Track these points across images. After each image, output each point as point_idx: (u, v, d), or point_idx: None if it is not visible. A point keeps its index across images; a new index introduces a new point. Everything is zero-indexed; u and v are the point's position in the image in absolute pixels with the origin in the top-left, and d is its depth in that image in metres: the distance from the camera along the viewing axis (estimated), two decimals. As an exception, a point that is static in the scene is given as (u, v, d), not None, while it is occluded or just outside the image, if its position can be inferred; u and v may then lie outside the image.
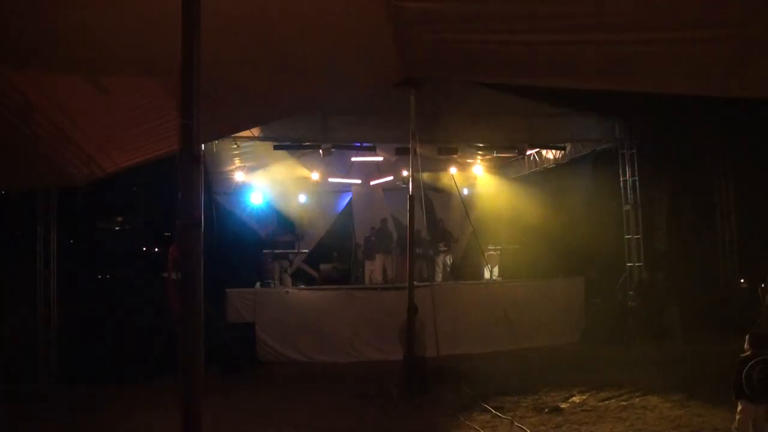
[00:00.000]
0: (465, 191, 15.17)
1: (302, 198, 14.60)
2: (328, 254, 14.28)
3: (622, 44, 5.02)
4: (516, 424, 6.72)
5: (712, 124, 12.05)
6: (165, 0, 3.86)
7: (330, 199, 15.39)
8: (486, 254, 13.37)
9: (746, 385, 5.11)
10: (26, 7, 4.37)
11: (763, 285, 9.26)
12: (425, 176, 13.78)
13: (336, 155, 12.08)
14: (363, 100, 9.96)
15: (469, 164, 14.86)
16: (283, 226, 13.82)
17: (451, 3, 5.02)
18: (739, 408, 5.24)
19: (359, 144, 11.65)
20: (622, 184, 12.51)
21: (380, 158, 13.13)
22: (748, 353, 5.22)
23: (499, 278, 13.01)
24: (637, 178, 12.36)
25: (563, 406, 7.44)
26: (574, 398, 7.78)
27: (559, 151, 12.89)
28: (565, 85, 8.04)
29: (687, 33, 4.50)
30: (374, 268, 13.05)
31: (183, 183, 3.49)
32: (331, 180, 14.37)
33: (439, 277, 13.03)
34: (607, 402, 7.54)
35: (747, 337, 5.33)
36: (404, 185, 14.01)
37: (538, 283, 12.51)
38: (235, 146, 11.30)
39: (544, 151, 13.45)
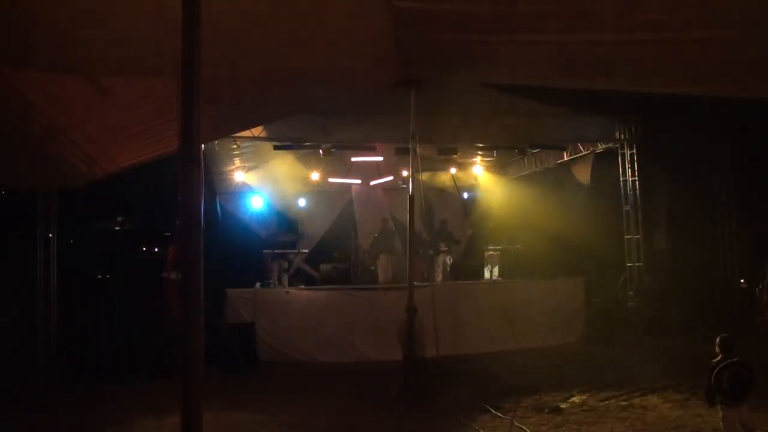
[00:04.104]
0: (465, 191, 15.18)
1: (302, 198, 14.61)
2: (328, 254, 14.26)
3: (623, 44, 5.02)
4: (516, 424, 6.72)
5: (712, 123, 12.05)
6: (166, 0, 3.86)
7: (330, 199, 15.39)
8: (486, 254, 13.37)
9: (717, 390, 5.11)
10: (26, 5, 4.37)
11: (761, 286, 9.25)
12: (425, 176, 13.79)
13: (336, 155, 12.08)
14: (363, 100, 9.96)
15: (469, 164, 14.87)
16: (283, 226, 13.81)
17: (451, 3, 5.02)
18: (721, 414, 5.23)
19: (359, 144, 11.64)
20: (622, 184, 12.51)
21: (380, 158, 13.13)
22: (717, 358, 5.22)
23: (499, 278, 13.01)
24: (637, 178, 12.37)
25: (563, 406, 7.43)
26: (574, 398, 7.78)
27: (559, 151, 12.89)
28: (566, 85, 8.05)
29: (688, 33, 4.51)
30: (377, 269, 13.04)
31: (183, 183, 3.48)
32: (331, 180, 14.37)
33: (439, 277, 13.02)
34: (607, 402, 7.53)
35: (716, 341, 5.32)
36: (404, 185, 14.02)
37: (538, 283, 12.50)
38: (235, 146, 11.31)
39: (544, 151, 13.45)
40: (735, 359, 5.12)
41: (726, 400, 5.11)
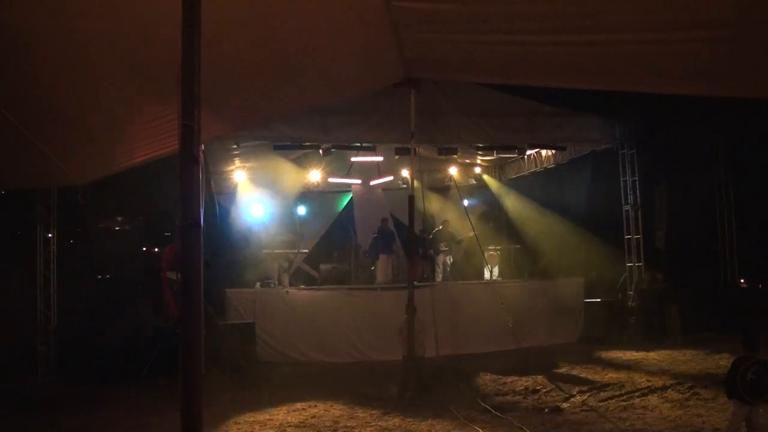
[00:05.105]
0: (465, 191, 15.18)
1: (302, 198, 14.60)
2: (328, 254, 14.26)
3: (622, 44, 5.02)
4: (516, 424, 6.72)
5: (711, 123, 12.05)
6: (166, 1, 3.86)
7: (330, 199, 15.39)
8: (486, 254, 13.39)
9: (741, 386, 5.15)
10: (26, 8, 4.37)
11: (760, 286, 9.26)
12: (425, 176, 13.77)
13: (336, 155, 12.08)
14: (363, 100, 9.97)
15: (469, 164, 14.88)
16: (283, 226, 13.81)
17: (450, 3, 5.02)
18: (733, 408, 5.28)
19: (359, 144, 11.63)
20: (622, 184, 12.51)
21: (380, 158, 13.13)
22: (742, 354, 5.27)
23: (499, 278, 13.01)
24: (637, 178, 12.37)
25: (563, 406, 7.43)
26: (574, 398, 7.77)
27: (559, 151, 12.89)
28: (565, 85, 8.06)
29: (686, 33, 4.51)
30: (378, 269, 13.04)
31: (183, 183, 3.49)
32: (331, 180, 14.37)
33: (439, 277, 13.03)
34: (607, 402, 7.54)
35: (741, 339, 5.36)
36: (404, 185, 14.03)
37: (538, 283, 12.50)
38: (235, 146, 11.30)
39: (544, 151, 13.45)
40: (762, 358, 5.18)
41: (746, 396, 5.16)
